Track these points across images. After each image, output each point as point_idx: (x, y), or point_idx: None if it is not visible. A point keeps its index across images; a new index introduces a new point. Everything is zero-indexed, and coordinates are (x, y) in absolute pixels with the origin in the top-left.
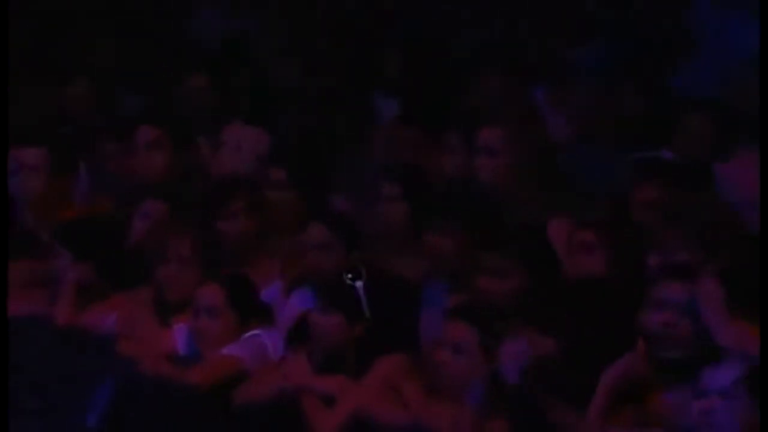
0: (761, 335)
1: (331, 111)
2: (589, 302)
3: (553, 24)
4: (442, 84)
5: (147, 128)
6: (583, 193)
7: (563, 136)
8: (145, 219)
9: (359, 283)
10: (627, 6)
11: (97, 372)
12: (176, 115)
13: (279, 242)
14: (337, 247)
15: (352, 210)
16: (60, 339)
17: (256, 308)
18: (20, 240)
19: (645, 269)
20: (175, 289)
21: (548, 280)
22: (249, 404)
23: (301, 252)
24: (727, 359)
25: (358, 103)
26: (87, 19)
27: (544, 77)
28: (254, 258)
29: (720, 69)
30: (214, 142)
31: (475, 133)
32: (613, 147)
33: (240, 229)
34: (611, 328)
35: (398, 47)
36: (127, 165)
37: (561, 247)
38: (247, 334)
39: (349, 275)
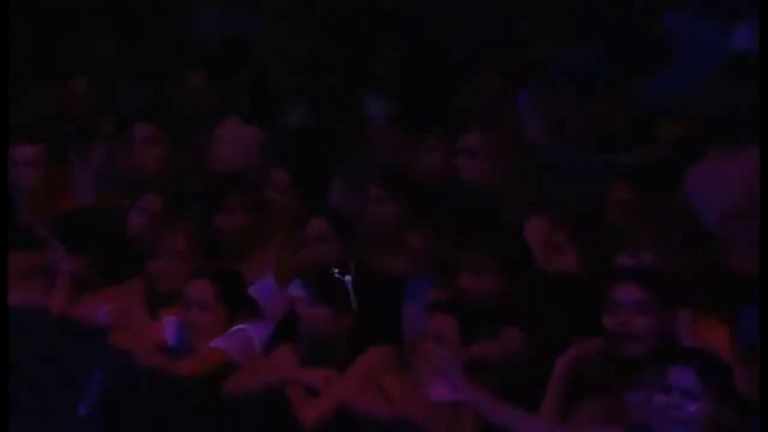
0: (761, 335)
1: (325, 111)
2: (561, 300)
3: (537, 31)
4: (431, 86)
5: (144, 125)
6: (561, 194)
7: (542, 138)
8: (142, 214)
9: (348, 278)
10: (606, 15)
11: (89, 362)
12: (174, 113)
13: (273, 237)
14: (335, 241)
15: (346, 207)
16: (53, 330)
17: (244, 302)
18: (16, 233)
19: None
20: (167, 281)
21: (525, 278)
22: (237, 395)
23: (297, 246)
24: (691, 358)
25: (350, 105)
26: (86, 18)
27: (529, 81)
28: (248, 253)
29: (693, 76)
30: (210, 140)
31: (459, 135)
32: (590, 150)
33: (234, 224)
34: (579, 326)
35: (391, 49)
36: (125, 161)
37: (538, 246)
38: (234, 328)
39: (337, 270)
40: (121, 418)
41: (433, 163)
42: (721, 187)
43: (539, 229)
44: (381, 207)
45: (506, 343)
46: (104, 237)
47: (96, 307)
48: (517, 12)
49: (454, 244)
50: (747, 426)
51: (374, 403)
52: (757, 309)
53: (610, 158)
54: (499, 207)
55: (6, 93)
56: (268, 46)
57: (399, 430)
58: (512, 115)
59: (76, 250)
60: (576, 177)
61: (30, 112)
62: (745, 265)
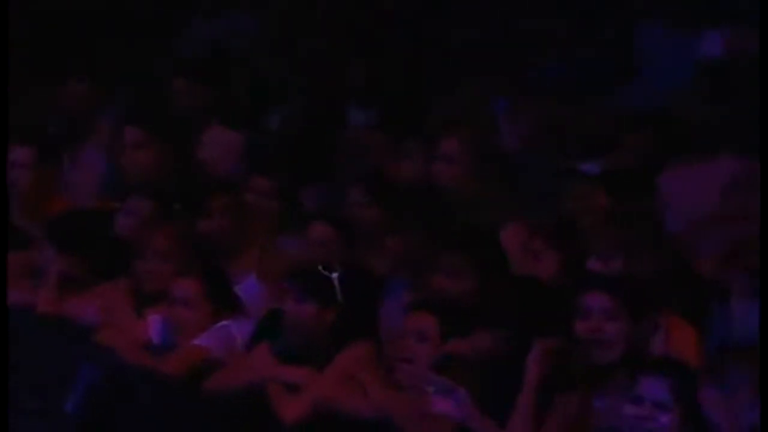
0: (761, 335)
1: (307, 117)
2: (531, 303)
3: (513, 40)
4: (410, 93)
5: (132, 129)
6: (533, 199)
7: (516, 145)
8: (129, 216)
9: (334, 275)
10: (578, 30)
11: (77, 360)
12: (162, 117)
13: (255, 239)
14: (336, 245)
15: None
16: (42, 328)
17: (230, 300)
18: (8, 233)
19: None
20: (153, 281)
21: (498, 280)
22: (219, 393)
23: (296, 249)
24: (664, 369)
25: (332, 110)
26: (81, 18)
27: (506, 90)
28: (232, 254)
29: (661, 88)
30: (196, 144)
31: (436, 142)
32: (563, 157)
33: (216, 227)
34: (549, 329)
35: (371, 56)
36: (115, 163)
37: (513, 250)
38: (217, 325)
39: (323, 267)
40: (107, 415)
41: (412, 169)
42: (690, 194)
43: (516, 234)
44: (362, 211)
45: (482, 343)
46: (93, 237)
47: (84, 305)
48: (494, 21)
49: (431, 246)
50: None
51: (353, 401)
52: (726, 311)
53: (581, 165)
54: (475, 211)
55: (6, 93)
56: (254, 53)
57: (378, 427)
58: (488, 123)
59: (66, 250)
60: (549, 183)
61: (22, 113)
62: (709, 270)
